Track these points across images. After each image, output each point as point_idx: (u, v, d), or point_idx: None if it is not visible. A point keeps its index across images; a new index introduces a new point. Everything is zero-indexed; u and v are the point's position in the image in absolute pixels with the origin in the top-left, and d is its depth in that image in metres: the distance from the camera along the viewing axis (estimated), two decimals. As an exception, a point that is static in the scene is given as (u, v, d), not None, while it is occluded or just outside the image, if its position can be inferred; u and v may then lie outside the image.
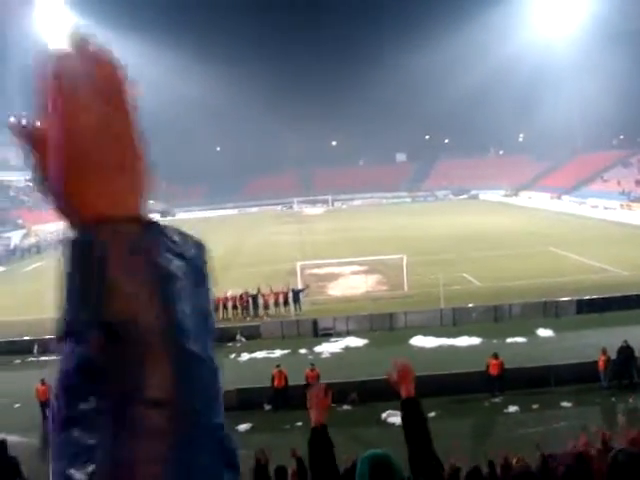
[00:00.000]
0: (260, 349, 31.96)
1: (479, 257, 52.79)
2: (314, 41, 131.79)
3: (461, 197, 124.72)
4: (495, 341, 29.97)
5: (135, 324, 0.87)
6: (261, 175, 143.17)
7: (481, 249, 56.53)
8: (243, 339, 34.00)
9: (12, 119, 0.96)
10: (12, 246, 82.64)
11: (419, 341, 31.41)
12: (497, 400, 23.64)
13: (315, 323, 34.67)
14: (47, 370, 26.54)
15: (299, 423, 22.86)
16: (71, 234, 0.93)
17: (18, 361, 32.90)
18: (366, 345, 31.94)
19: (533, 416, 22.16)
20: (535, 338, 30.91)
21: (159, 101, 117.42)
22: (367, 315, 35.20)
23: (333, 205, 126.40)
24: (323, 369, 25.16)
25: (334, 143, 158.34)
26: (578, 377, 23.94)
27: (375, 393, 23.96)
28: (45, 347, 32.06)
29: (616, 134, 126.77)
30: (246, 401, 24.17)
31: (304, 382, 24.32)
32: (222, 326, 36.29)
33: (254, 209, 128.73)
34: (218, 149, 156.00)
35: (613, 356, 24.20)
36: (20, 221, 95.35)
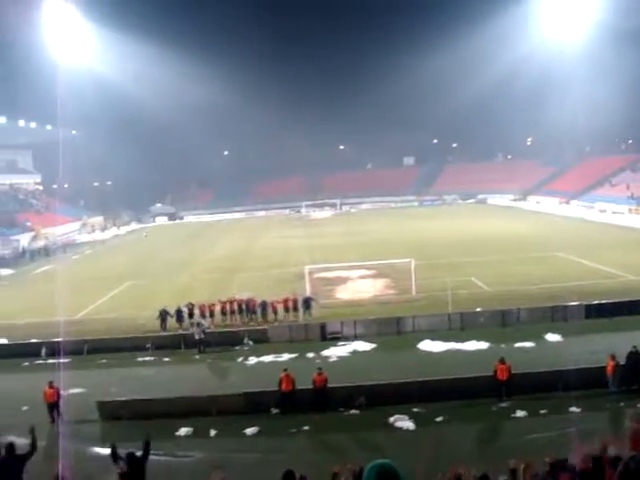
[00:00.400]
0: (268, 353, 31.91)
1: (487, 261, 52.73)
2: (322, 46, 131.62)
3: (469, 201, 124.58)
4: (503, 346, 29.88)
5: None
6: (269, 179, 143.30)
7: (489, 253, 56.48)
8: (251, 343, 33.96)
9: None
10: (21, 249, 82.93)
11: (427, 345, 31.32)
12: (505, 405, 23.54)
13: (323, 327, 34.59)
14: (54, 373, 26.64)
15: (306, 427, 22.85)
16: None
17: (26, 363, 32.95)
18: (374, 349, 31.86)
19: (541, 421, 22.05)
20: (543, 343, 30.79)
21: (168, 106, 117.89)
22: (375, 319, 35.14)
23: (341, 209, 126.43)
24: (331, 373, 25.10)
25: (342, 147, 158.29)
26: (586, 382, 23.75)
27: (383, 397, 23.96)
28: (52, 350, 32.15)
29: (625, 138, 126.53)
30: (253, 405, 24.17)
31: (311, 386, 24.31)
32: (230, 330, 36.34)
33: (262, 213, 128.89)
34: (226, 153, 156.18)
35: (622, 361, 24.10)
36: (29, 224, 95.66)
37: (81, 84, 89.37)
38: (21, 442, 14.19)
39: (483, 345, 30.70)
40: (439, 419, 22.56)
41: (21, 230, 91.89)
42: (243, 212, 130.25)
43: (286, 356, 31.26)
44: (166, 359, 32.47)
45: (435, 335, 32.43)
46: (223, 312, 37.74)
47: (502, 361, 24.13)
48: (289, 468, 12.54)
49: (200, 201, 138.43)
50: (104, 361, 32.57)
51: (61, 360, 30.38)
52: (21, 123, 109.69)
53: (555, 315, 34.35)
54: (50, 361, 32.21)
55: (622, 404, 23.09)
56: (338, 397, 24.39)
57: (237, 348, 33.48)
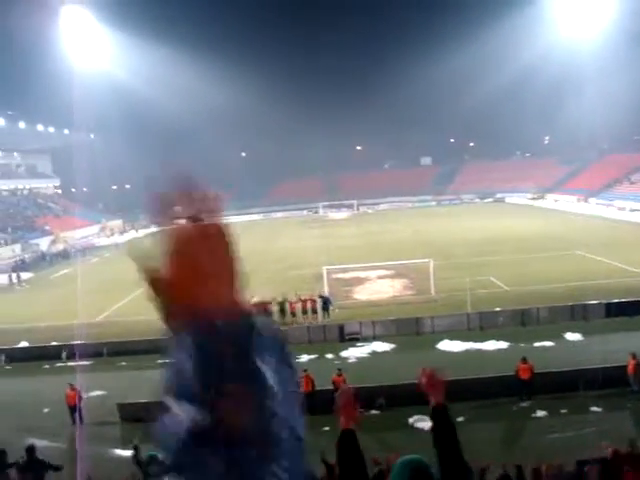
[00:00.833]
0: (287, 354, 31.90)
1: (506, 260, 52.51)
2: (339, 45, 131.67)
3: (487, 200, 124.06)
4: (523, 345, 29.75)
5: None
6: (286, 180, 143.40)
7: (508, 252, 56.23)
8: (269, 344, 33.99)
9: None
10: (40, 252, 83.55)
11: (446, 346, 31.27)
12: (525, 405, 23.45)
13: (342, 328, 34.58)
14: (75, 375, 26.80)
15: (326, 428, 22.72)
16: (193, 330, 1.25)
17: (47, 366, 33.20)
18: (393, 350, 31.84)
19: (562, 421, 21.95)
20: (563, 342, 30.65)
21: (184, 108, 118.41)
22: (394, 320, 35.09)
23: (358, 209, 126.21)
24: (350, 374, 25.11)
25: (359, 147, 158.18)
26: (607, 381, 23.62)
27: (402, 398, 23.89)
28: (73, 353, 32.35)
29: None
30: (273, 406, 24.15)
31: (331, 387, 24.30)
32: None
33: (279, 214, 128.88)
34: (243, 154, 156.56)
35: (643, 360, 23.94)
36: (48, 228, 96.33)
37: (98, 88, 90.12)
38: (42, 444, 14.28)
39: (502, 345, 30.60)
40: (459, 419, 22.48)
41: (40, 234, 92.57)
42: (261, 213, 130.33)
43: (305, 357, 31.25)
44: (186, 361, 32.52)
45: (454, 335, 32.36)
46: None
47: (524, 360, 24.03)
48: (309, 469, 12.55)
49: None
50: (124, 363, 32.74)
51: (81, 363, 30.60)
52: (40, 128, 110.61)
53: (575, 314, 34.16)
54: (70, 364, 32.45)
55: (644, 403, 22.93)
56: (358, 398, 24.32)
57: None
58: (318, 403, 24.13)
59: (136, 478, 15.43)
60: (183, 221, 1.36)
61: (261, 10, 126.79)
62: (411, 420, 22.41)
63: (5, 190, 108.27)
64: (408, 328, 34.27)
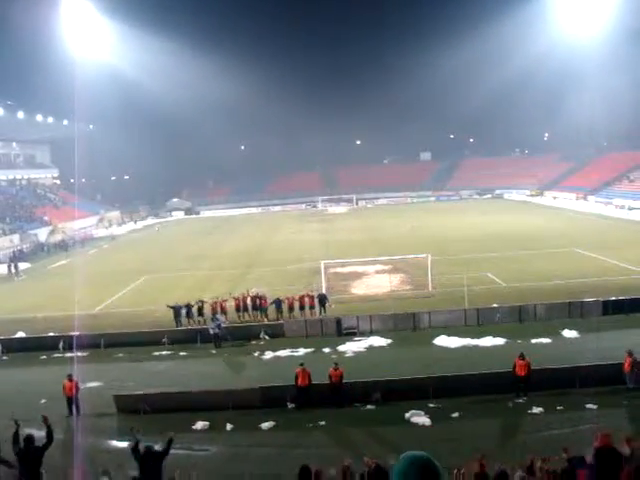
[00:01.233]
0: (284, 347, 31.92)
1: (504, 257, 52.55)
2: (339, 40, 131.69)
3: (486, 196, 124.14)
4: (519, 341, 29.76)
5: None
6: (285, 174, 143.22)
7: (505, 249, 56.28)
8: (267, 337, 34.03)
9: None
10: (39, 243, 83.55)
11: (443, 341, 31.25)
12: (521, 401, 23.45)
13: (339, 322, 34.56)
14: (72, 366, 26.81)
15: (322, 422, 22.86)
16: None
17: (44, 357, 33.18)
18: (390, 345, 31.83)
19: (558, 417, 21.94)
20: (560, 339, 30.65)
21: (185, 101, 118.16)
22: (391, 314, 35.04)
23: (357, 204, 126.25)
24: (346, 368, 25.10)
25: (358, 142, 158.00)
26: (603, 379, 23.64)
27: (399, 393, 23.94)
28: (70, 343, 32.35)
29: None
30: (269, 399, 24.23)
31: (327, 381, 24.33)
32: (246, 324, 36.43)
33: (278, 208, 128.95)
34: (242, 148, 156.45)
35: (639, 358, 23.94)
36: (46, 218, 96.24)
37: (98, 79, 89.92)
38: (40, 435, 14.32)
39: (499, 341, 30.60)
40: (455, 415, 22.52)
41: (39, 224, 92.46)
42: (259, 207, 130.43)
43: (302, 351, 31.29)
44: (182, 353, 32.58)
45: (451, 331, 32.37)
46: (237, 309, 37.62)
47: (522, 357, 24.03)
48: (305, 463, 12.57)
49: (216, 196, 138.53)
50: (121, 355, 32.76)
51: (78, 354, 30.61)
52: (39, 118, 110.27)
53: (572, 311, 34.15)
54: (68, 355, 32.48)
55: (639, 401, 22.95)
56: (354, 392, 24.40)
57: (253, 342, 33.58)
58: (314, 397, 24.23)
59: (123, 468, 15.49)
60: None
61: (261, 3, 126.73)
62: (407, 415, 22.40)
63: (4, 180, 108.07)
64: (405, 323, 34.26)
